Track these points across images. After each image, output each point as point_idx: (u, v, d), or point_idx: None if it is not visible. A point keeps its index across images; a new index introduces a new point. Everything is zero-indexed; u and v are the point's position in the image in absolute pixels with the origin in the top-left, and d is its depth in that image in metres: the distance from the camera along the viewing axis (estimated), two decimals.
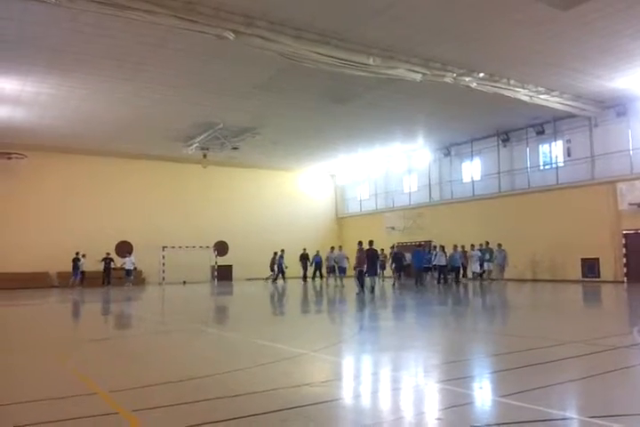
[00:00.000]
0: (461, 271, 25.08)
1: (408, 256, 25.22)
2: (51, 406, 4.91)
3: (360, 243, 19.40)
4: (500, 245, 24.24)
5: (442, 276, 24.00)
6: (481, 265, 24.54)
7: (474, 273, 24.68)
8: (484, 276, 24.83)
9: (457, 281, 24.20)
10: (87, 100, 21.15)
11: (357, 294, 18.42)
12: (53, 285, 28.38)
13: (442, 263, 23.80)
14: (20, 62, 16.98)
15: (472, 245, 24.72)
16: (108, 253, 28.07)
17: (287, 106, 22.38)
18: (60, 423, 4.34)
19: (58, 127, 24.74)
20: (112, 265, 27.92)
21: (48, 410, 4.78)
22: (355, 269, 19.66)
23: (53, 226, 28.66)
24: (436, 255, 24.09)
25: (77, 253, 27.59)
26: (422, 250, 24.86)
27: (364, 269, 19.06)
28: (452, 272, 24.42)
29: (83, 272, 27.65)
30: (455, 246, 24.68)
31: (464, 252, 24.89)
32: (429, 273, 25.13)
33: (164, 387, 5.54)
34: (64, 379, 6.15)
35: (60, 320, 13.50)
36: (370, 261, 18.94)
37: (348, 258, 24.65)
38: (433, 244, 25.43)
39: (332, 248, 27.09)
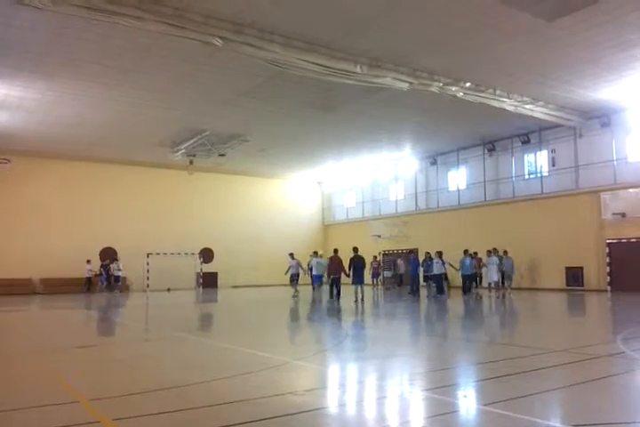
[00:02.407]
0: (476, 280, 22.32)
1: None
2: (31, 415, 4.83)
3: (335, 251, 19.28)
4: (505, 253, 22.08)
5: (439, 285, 21.11)
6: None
7: (491, 283, 21.13)
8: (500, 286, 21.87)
9: (469, 291, 20.96)
10: (73, 106, 21.01)
11: (328, 300, 18.37)
12: (36, 291, 28.04)
13: (440, 271, 20.98)
14: (4, 66, 16.82)
15: (489, 251, 21.58)
16: (104, 260, 27.93)
17: (274, 113, 22.38)
18: None
19: (43, 132, 24.55)
20: (110, 271, 27.81)
21: (28, 419, 4.71)
22: (329, 277, 19.39)
23: (36, 231, 28.34)
24: (433, 263, 21.38)
25: (106, 260, 27.82)
26: (416, 257, 23.26)
27: (339, 277, 18.91)
28: (469, 281, 21.33)
29: (109, 277, 27.67)
30: (466, 251, 21.52)
31: (477, 258, 22.22)
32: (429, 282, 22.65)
33: (147, 395, 5.48)
34: (46, 386, 6.05)
35: (43, 327, 13.31)
36: (355, 268, 18.70)
37: (301, 266, 23.32)
38: (437, 251, 21.89)
39: (291, 255, 23.88)
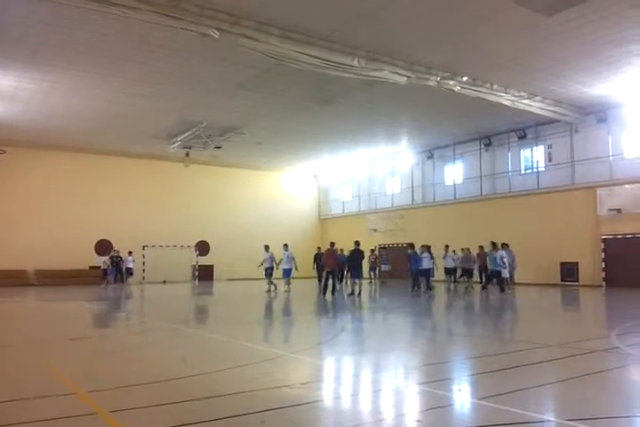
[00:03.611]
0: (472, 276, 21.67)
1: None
2: (28, 406, 4.83)
3: (332, 244, 19.18)
4: (507, 246, 20.66)
5: (427, 280, 20.13)
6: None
7: (502, 278, 19.68)
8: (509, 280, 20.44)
9: (502, 288, 19.31)
10: (68, 96, 20.88)
11: (322, 295, 18.28)
12: (31, 283, 27.97)
13: (429, 266, 20.11)
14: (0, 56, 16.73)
15: (501, 244, 20.16)
16: (113, 251, 27.99)
17: (271, 106, 22.30)
18: (37, 424, 4.27)
19: (38, 123, 24.41)
20: (122, 263, 27.87)
21: (25, 410, 4.70)
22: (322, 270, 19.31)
23: (30, 223, 28.24)
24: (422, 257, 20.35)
25: (114, 251, 27.88)
26: (416, 252, 21.21)
27: (332, 271, 18.81)
28: (493, 277, 20.13)
29: (120, 269, 27.67)
30: (494, 246, 20.12)
31: (483, 253, 21.34)
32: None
33: (143, 387, 5.48)
34: (43, 378, 6.05)
35: (40, 318, 13.30)
36: (354, 262, 18.62)
37: (274, 260, 21.93)
38: (423, 244, 21.25)
39: (266, 247, 22.40)
